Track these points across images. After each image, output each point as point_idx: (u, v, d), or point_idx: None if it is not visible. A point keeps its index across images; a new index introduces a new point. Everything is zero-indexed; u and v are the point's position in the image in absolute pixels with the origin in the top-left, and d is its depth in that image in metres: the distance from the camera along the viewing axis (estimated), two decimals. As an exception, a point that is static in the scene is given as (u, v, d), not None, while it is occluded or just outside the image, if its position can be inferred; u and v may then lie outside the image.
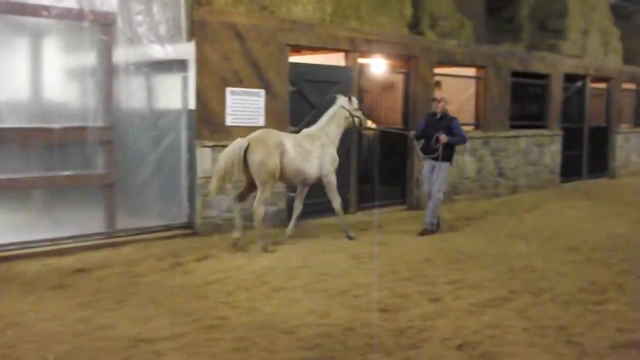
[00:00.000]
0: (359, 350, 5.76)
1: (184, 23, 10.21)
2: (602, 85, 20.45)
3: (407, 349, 5.82)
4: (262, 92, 10.89)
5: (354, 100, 10.59)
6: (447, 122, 11.01)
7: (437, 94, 12.03)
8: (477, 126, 15.50)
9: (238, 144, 9.30)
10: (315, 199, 11.12)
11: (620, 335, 6.25)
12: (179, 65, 10.38)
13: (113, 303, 6.94)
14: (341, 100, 10.43)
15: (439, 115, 11.11)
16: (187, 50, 10.21)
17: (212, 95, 10.30)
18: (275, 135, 9.64)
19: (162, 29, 10.20)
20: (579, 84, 19.10)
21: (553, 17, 19.16)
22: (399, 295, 7.39)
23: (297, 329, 6.24)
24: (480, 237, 10.78)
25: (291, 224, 10.26)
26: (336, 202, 10.32)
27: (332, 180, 10.20)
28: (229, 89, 10.47)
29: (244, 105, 10.68)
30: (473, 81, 15.61)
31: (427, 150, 11.12)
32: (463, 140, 11.34)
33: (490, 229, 11.63)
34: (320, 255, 9.26)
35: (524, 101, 17.41)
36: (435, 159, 10.96)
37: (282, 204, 11.28)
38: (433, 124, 11.10)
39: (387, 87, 15.09)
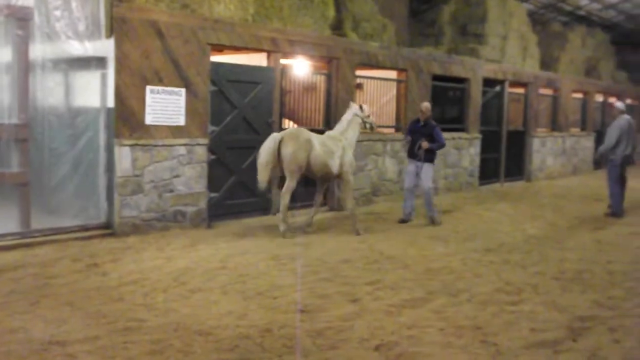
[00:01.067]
0: (276, 351, 5.78)
1: (103, 19, 10.01)
2: (520, 90, 21.00)
3: (325, 350, 5.86)
4: (182, 91, 10.77)
5: (365, 107, 11.70)
6: (429, 129, 12.42)
7: (424, 105, 12.75)
8: (398, 128, 15.70)
9: (273, 138, 10.55)
10: (241, 199, 11.22)
11: (533, 335, 6.43)
12: (98, 62, 10.19)
13: (26, 305, 6.77)
14: (354, 108, 11.59)
15: (422, 123, 12.54)
16: (106, 47, 10.02)
17: (132, 93, 10.13)
18: (305, 133, 10.80)
19: (81, 25, 10.00)
20: (497, 88, 19.54)
21: (473, 22, 19.64)
22: (318, 296, 7.43)
23: (215, 331, 6.21)
24: (399, 239, 10.92)
25: (312, 215, 11.39)
26: (351, 201, 11.33)
27: (350, 179, 11.30)
28: (148, 88, 10.31)
29: (164, 104, 10.54)
30: (394, 84, 15.80)
31: (411, 154, 12.54)
32: (442, 145, 12.63)
33: (409, 230, 11.80)
34: (240, 256, 9.22)
35: (444, 104, 17.74)
36: (419, 161, 12.38)
37: (202, 204, 11.18)
38: (417, 130, 12.52)
39: (309, 88, 15.14)
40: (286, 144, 10.50)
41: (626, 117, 14.05)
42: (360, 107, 11.62)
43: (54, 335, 5.93)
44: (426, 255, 9.74)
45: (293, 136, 10.63)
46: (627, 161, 14.01)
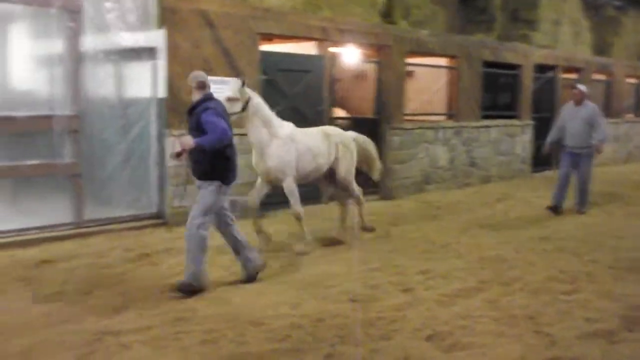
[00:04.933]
0: (328, 341, 5.72)
1: (153, 10, 10.05)
2: (573, 76, 20.56)
3: (377, 340, 5.78)
4: (233, 80, 10.73)
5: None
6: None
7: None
8: (449, 116, 15.52)
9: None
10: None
11: (588, 324, 6.26)
12: (149, 53, 10.23)
13: (79, 295, 6.83)
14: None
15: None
16: (156, 37, 10.06)
17: (182, 83, 10.12)
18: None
19: (132, 16, 10.04)
20: (549, 74, 19.17)
21: (525, 8, 19.23)
22: (370, 286, 7.35)
23: (267, 321, 6.18)
24: (452, 227, 10.77)
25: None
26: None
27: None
28: (199, 77, 10.32)
29: (216, 94, 10.52)
30: (445, 71, 15.60)
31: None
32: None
33: (462, 218, 11.63)
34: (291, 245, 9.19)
35: (496, 91, 17.44)
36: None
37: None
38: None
39: (359, 76, 15.04)
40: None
41: None
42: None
43: (107, 325, 5.96)
44: (479, 243, 9.58)
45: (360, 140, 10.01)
46: None
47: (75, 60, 9.53)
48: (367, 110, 13.90)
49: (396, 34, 13.75)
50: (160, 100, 10.14)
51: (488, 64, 16.39)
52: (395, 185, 13.70)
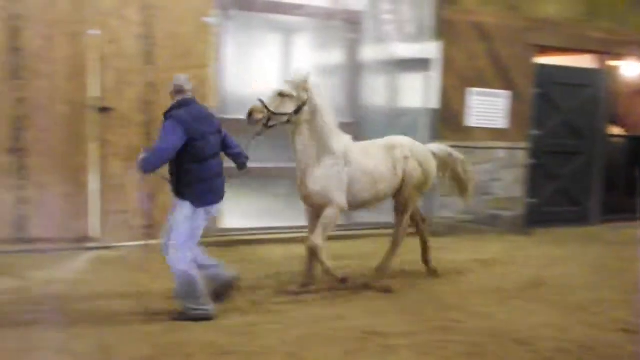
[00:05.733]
0: (599, 371, 5.44)
1: (430, 22, 10.22)
2: None
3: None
4: (504, 93, 10.63)
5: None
6: None
7: None
8: None
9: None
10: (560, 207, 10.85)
11: None
12: (423, 64, 10.40)
13: (348, 294, 7.10)
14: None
15: None
16: (432, 49, 10.21)
17: (455, 95, 10.24)
18: None
19: (409, 28, 10.29)
20: None
21: None
22: (644, 316, 6.88)
23: (532, 341, 5.99)
24: None
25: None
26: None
27: None
28: (470, 90, 10.33)
29: (486, 107, 10.51)
30: None
31: None
32: None
33: None
34: (559, 266, 8.86)
35: None
36: None
37: (519, 210, 10.93)
38: None
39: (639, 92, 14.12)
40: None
41: None
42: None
43: (373, 326, 6.13)
44: None
45: None
46: None
47: (354, 70, 9.98)
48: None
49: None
50: (433, 111, 10.26)
51: None
52: None
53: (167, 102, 6.20)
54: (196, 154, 5.89)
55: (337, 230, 9.66)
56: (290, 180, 9.63)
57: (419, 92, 10.49)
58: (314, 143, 6.71)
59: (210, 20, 8.84)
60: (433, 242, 9.54)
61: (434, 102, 10.23)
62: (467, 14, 10.29)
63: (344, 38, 10.02)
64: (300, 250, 7.23)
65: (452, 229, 10.31)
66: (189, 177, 5.94)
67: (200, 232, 6.13)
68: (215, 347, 5.46)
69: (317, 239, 6.74)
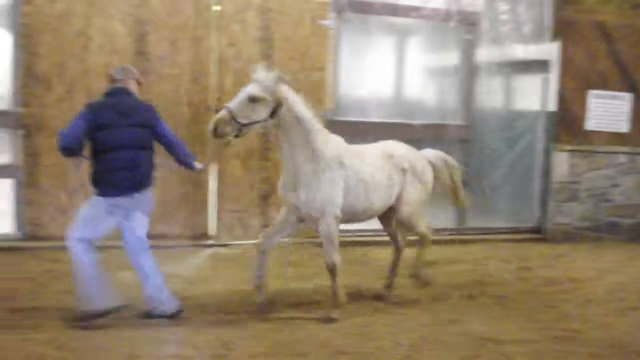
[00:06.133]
0: None
1: (549, 22, 9.99)
2: None
3: None
4: (627, 95, 10.26)
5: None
6: None
7: None
8: None
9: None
10: None
11: None
12: (540, 65, 10.18)
13: (462, 299, 7.03)
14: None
15: None
16: (550, 50, 9.98)
17: (574, 97, 9.96)
18: None
19: (526, 29, 10.09)
20: None
21: None
22: None
23: (656, 355, 5.78)
24: None
25: None
26: None
27: None
28: (591, 92, 10.03)
29: (606, 109, 10.17)
30: None
31: None
32: None
33: None
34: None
35: None
36: None
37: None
38: None
39: None
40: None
41: None
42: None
43: (489, 332, 6.04)
44: None
45: None
46: None
47: (469, 72, 9.86)
48: None
49: None
50: (550, 113, 10.03)
51: None
52: None
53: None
54: (99, 144, 5.74)
55: (450, 234, 9.65)
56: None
57: (535, 95, 10.26)
58: (301, 147, 5.91)
59: (326, 23, 8.94)
60: (549, 249, 9.39)
61: (552, 105, 9.99)
62: (587, 13, 9.99)
63: (459, 39, 9.92)
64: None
65: (569, 236, 10.04)
66: (95, 167, 5.81)
67: (105, 226, 5.83)
68: (330, 347, 5.52)
69: (333, 256, 6.07)
